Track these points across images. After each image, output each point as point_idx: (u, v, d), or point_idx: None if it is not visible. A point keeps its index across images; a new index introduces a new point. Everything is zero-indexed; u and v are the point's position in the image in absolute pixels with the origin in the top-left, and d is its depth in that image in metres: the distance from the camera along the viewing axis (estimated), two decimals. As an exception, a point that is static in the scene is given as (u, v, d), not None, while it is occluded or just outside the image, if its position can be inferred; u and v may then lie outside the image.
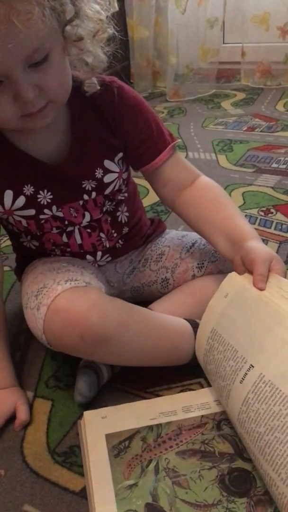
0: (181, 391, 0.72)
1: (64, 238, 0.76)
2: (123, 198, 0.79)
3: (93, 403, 0.70)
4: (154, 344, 0.69)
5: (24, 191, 0.70)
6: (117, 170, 0.74)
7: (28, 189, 0.70)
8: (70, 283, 0.66)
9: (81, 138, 0.70)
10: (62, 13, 0.54)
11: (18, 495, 0.60)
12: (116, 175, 0.74)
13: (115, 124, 0.71)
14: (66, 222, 0.74)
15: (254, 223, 1.14)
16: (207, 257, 0.83)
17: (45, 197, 0.71)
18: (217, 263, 0.82)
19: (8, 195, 0.69)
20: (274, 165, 1.45)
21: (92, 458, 0.59)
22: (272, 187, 1.32)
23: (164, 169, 0.76)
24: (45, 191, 0.70)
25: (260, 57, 2.18)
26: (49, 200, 0.71)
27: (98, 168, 0.72)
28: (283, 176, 1.37)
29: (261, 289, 0.61)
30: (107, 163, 0.73)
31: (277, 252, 1.02)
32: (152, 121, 0.74)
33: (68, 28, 0.57)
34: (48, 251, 0.79)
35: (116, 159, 0.74)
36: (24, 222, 0.73)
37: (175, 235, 0.89)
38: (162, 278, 0.85)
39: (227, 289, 0.65)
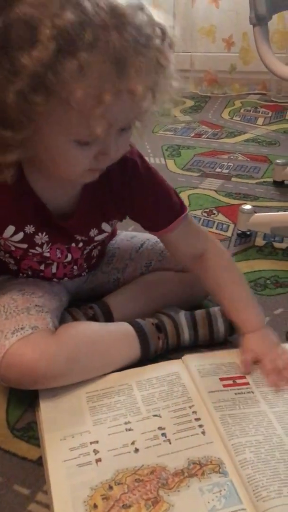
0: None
1: (42, 267, 0.82)
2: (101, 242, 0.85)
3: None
4: (104, 359, 0.77)
5: (25, 230, 0.75)
6: (109, 230, 0.81)
7: (30, 229, 0.75)
8: (17, 335, 0.71)
9: (87, 201, 0.76)
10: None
11: (-20, 466, 0.67)
12: (106, 234, 0.82)
13: (120, 196, 0.77)
14: (49, 261, 0.81)
15: (198, 223, 1.25)
16: (155, 256, 0.92)
17: (41, 238, 0.76)
18: (164, 261, 0.92)
19: (10, 229, 0.74)
20: (218, 170, 1.57)
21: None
22: (215, 190, 1.43)
23: (172, 237, 0.81)
24: (44, 233, 0.76)
25: (207, 66, 2.30)
26: (44, 241, 0.77)
27: (94, 229, 0.79)
28: (225, 180, 1.49)
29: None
30: (103, 225, 0.80)
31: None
32: (161, 195, 0.79)
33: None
34: (21, 271, 0.84)
35: (111, 222, 0.80)
36: (12, 248, 0.78)
37: (124, 236, 0.96)
38: (113, 279, 0.93)
39: None
